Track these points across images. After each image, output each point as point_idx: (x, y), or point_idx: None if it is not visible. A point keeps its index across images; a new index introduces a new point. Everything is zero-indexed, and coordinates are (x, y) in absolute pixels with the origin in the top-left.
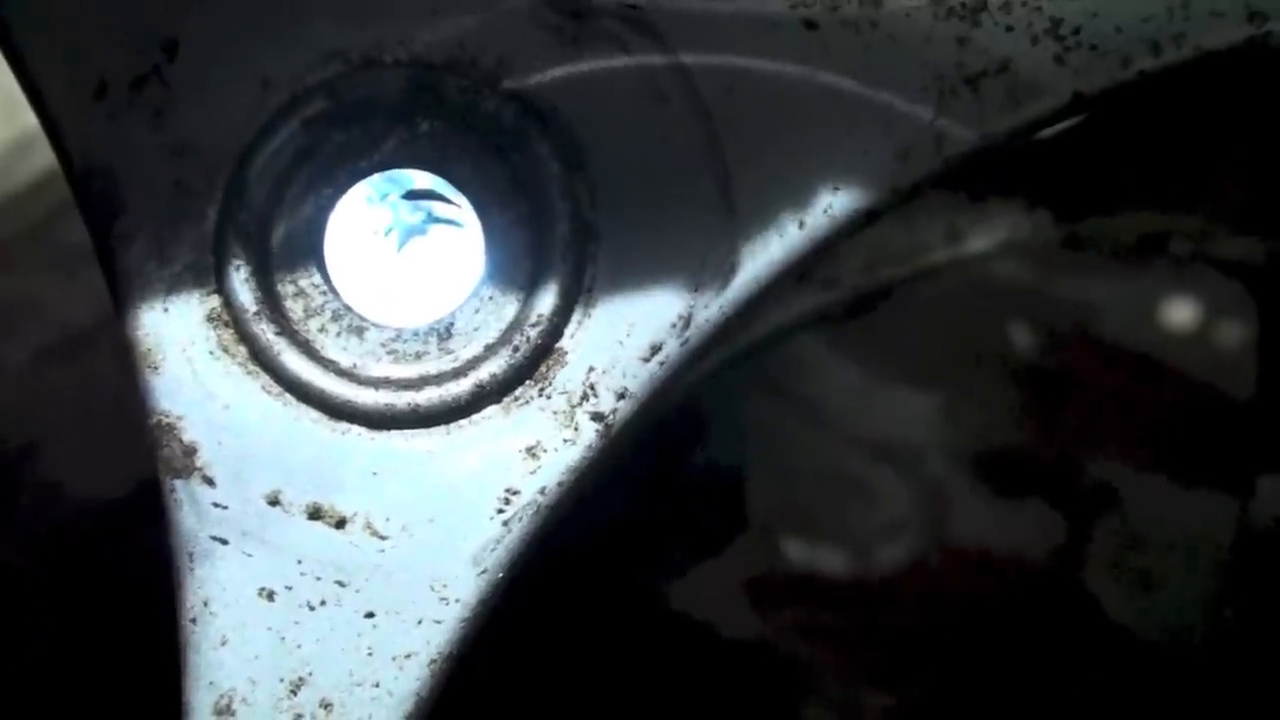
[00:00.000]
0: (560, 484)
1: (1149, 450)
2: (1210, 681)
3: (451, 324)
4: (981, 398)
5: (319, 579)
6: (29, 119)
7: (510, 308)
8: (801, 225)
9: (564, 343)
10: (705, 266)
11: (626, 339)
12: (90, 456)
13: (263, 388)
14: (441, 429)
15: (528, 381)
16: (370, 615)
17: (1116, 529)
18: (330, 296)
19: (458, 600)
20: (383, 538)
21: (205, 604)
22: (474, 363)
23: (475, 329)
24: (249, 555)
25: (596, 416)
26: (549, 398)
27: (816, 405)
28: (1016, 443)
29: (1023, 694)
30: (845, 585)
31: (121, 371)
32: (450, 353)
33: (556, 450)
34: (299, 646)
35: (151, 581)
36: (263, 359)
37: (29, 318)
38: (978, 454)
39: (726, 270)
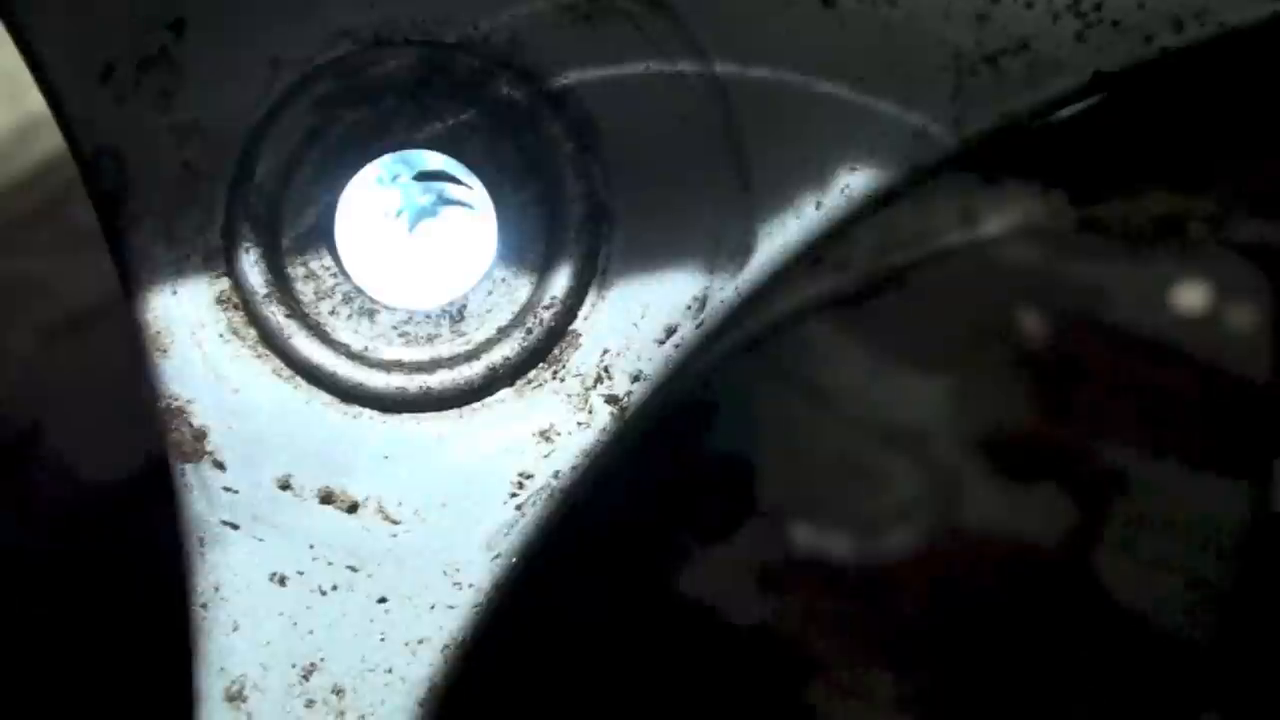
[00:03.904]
0: (574, 468)
1: (1161, 435)
2: (1221, 665)
3: (464, 306)
4: (992, 382)
5: (331, 564)
6: (33, 102)
7: (523, 290)
8: (819, 205)
9: (578, 325)
10: (721, 248)
11: (641, 321)
12: (95, 437)
13: (273, 371)
14: (454, 412)
15: (541, 364)
16: (383, 600)
17: (1127, 514)
18: (341, 279)
19: (471, 585)
20: (395, 522)
21: (216, 589)
22: (487, 345)
23: (488, 311)
24: (260, 540)
25: (611, 399)
26: (563, 380)
27: (826, 390)
28: (1027, 427)
29: (1031, 678)
30: (854, 570)
31: (127, 352)
32: (463, 335)
33: (570, 433)
34: (311, 632)
35: (159, 563)
36: (273, 342)
37: (34, 298)
38: (988, 439)
39: (742, 251)
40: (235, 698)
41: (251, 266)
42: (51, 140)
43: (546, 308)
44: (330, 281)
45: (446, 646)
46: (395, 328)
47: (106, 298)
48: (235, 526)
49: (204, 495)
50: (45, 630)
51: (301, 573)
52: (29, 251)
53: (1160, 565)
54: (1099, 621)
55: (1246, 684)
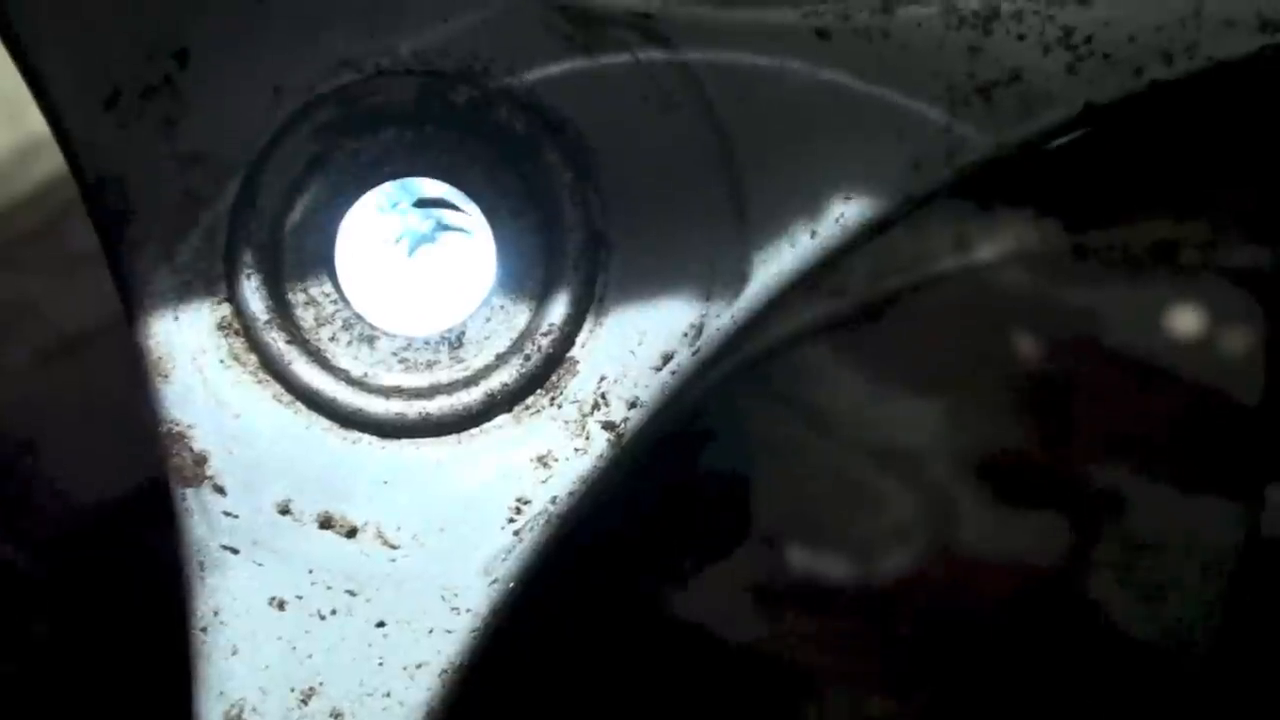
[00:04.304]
0: (571, 493)
1: (1156, 458)
2: (1216, 690)
3: (463, 333)
4: (988, 405)
5: (330, 588)
6: (32, 124)
7: (521, 316)
8: (813, 234)
9: (575, 352)
10: (717, 275)
11: (638, 348)
12: (90, 457)
13: (274, 397)
14: (453, 438)
15: (539, 390)
16: (381, 625)
17: (1122, 537)
18: (341, 305)
19: (469, 610)
20: (394, 547)
21: (216, 613)
22: (485, 371)
23: (486, 338)
24: (260, 564)
25: (608, 425)
26: (560, 407)
27: (822, 413)
28: (1022, 451)
29: (1027, 702)
30: (850, 592)
31: (123, 374)
32: (461, 361)
33: (568, 459)
34: (310, 656)
35: (153, 583)
36: (274, 368)
37: (30, 319)
38: (983, 461)
39: (738, 279)
40: None
41: (253, 293)
42: (51, 162)
43: (544, 334)
44: (330, 308)
45: (445, 671)
46: (395, 354)
47: (103, 320)
48: (235, 551)
49: (204, 520)
50: (42, 651)
51: (300, 597)
52: (26, 271)
53: (1155, 588)
54: (1094, 644)
55: (1241, 706)
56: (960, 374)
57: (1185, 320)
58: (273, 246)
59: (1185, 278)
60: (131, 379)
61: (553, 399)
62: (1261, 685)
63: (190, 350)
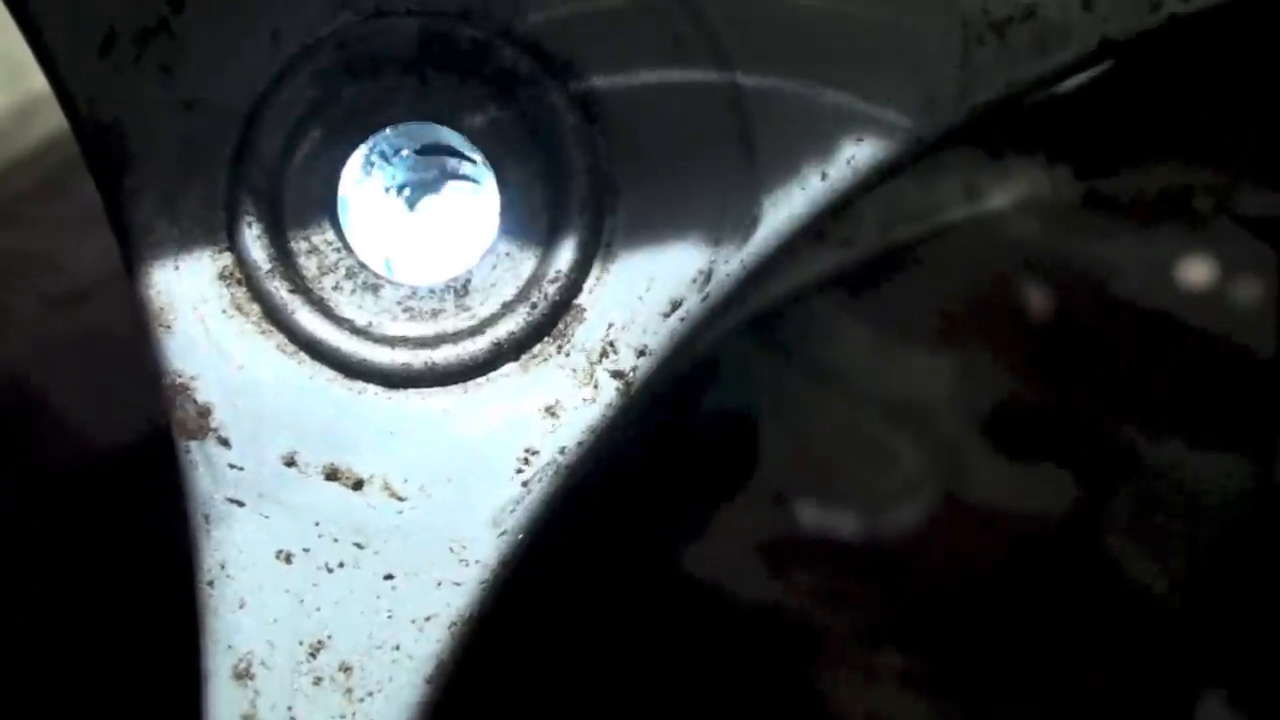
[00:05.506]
0: (580, 443)
1: (1167, 411)
2: (1225, 641)
3: (468, 281)
4: (997, 358)
5: (337, 541)
6: (32, 82)
7: (528, 264)
8: (824, 177)
9: (583, 299)
10: (726, 220)
11: (646, 294)
12: (97, 404)
13: (277, 347)
14: (459, 388)
15: (546, 339)
16: (389, 577)
17: (1133, 490)
18: (344, 253)
19: (477, 562)
20: (401, 499)
21: (222, 567)
22: (491, 320)
23: (492, 286)
24: (266, 517)
25: (616, 374)
26: (568, 355)
27: (831, 367)
28: (1033, 404)
29: (1038, 655)
30: (859, 547)
31: (129, 329)
32: (467, 310)
33: (576, 409)
34: (318, 609)
35: (158, 531)
36: (276, 318)
37: (34, 274)
38: (993, 415)
39: (748, 223)
40: (243, 675)
41: (254, 241)
42: (51, 120)
43: (551, 282)
44: (333, 257)
45: (453, 623)
46: (399, 303)
47: (105, 276)
48: (241, 504)
49: (209, 472)
50: (48, 604)
51: (307, 550)
52: (28, 228)
53: (1165, 540)
54: (1105, 597)
55: (1252, 659)
56: (970, 326)
57: (1197, 270)
58: (273, 194)
59: (1198, 226)
60: (139, 334)
61: (560, 347)
62: (1272, 635)
63: (192, 300)
